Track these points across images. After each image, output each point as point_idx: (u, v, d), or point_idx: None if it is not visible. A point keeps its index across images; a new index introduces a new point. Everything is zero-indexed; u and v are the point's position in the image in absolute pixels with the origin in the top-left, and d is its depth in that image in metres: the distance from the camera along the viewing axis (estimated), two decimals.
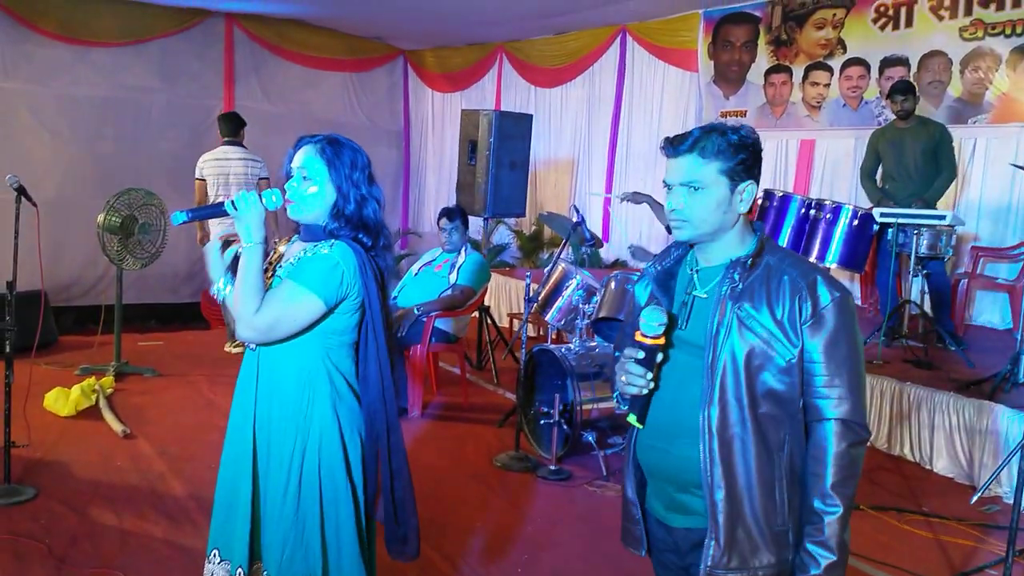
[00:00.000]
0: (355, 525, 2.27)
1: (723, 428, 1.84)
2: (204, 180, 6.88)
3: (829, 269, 5.51)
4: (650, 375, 1.87)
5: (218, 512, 2.35)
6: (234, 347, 6.85)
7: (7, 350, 3.90)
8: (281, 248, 2.41)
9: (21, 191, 3.96)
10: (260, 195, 2.21)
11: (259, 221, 2.18)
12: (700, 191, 1.87)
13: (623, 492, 2.12)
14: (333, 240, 2.23)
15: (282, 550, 2.21)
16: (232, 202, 2.18)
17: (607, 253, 8.83)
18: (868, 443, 1.88)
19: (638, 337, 1.88)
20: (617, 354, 2.11)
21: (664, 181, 1.94)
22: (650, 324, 1.85)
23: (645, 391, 1.87)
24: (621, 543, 2.16)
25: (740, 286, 1.87)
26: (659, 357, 1.88)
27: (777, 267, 1.88)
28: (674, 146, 1.91)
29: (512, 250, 10.00)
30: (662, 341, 1.87)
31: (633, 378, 1.87)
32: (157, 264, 6.35)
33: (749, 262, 1.89)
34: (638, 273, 4.20)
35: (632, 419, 1.94)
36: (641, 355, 1.87)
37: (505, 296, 8.29)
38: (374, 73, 11.31)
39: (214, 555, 2.31)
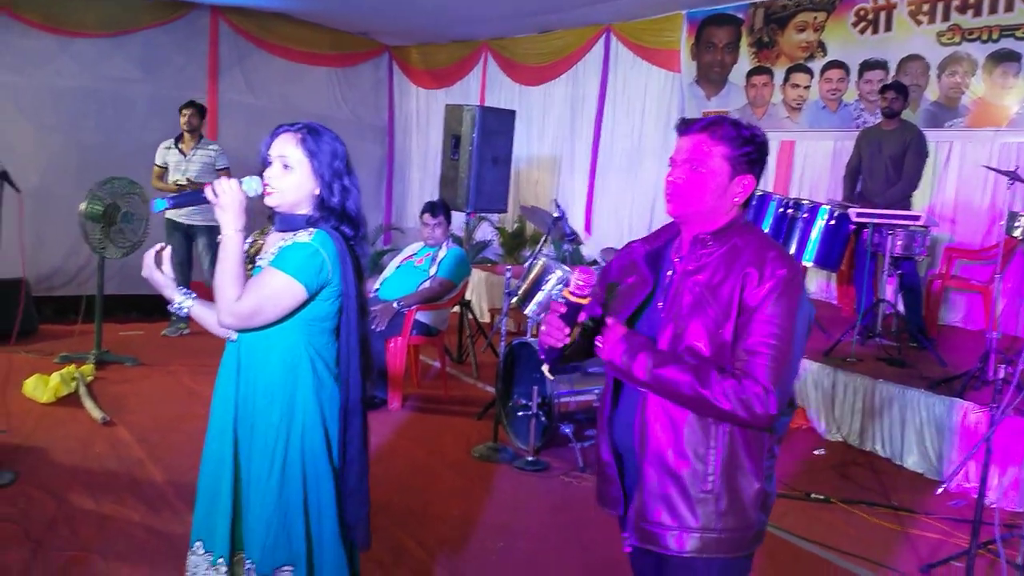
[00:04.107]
0: (336, 509, 2.30)
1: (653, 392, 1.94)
2: (164, 167, 7.02)
3: (798, 259, 5.58)
4: (567, 330, 1.94)
5: (200, 503, 2.36)
6: None
7: None
8: (260, 240, 2.43)
9: (4, 176, 3.97)
10: (240, 182, 2.23)
11: (239, 209, 2.19)
12: (701, 170, 1.95)
13: (598, 455, 2.17)
14: (312, 228, 2.25)
15: (265, 536, 2.23)
16: (212, 189, 2.20)
17: (588, 251, 8.88)
18: (769, 416, 1.84)
19: (564, 292, 1.95)
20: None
21: (671, 158, 2.01)
22: (578, 283, 1.93)
23: (560, 344, 1.94)
24: (597, 504, 2.20)
25: (700, 261, 1.96)
26: (582, 317, 1.95)
27: (742, 248, 1.94)
28: (687, 125, 2.01)
29: (494, 247, 10.03)
30: (584, 302, 1.94)
31: (553, 330, 1.95)
32: (139, 255, 6.35)
33: (708, 239, 1.97)
34: None
35: (545, 370, 2.07)
36: (563, 310, 1.95)
37: (487, 292, 8.33)
38: (359, 68, 11.30)
39: (197, 546, 2.33)
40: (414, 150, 11.54)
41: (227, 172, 7.11)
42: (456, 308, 6.39)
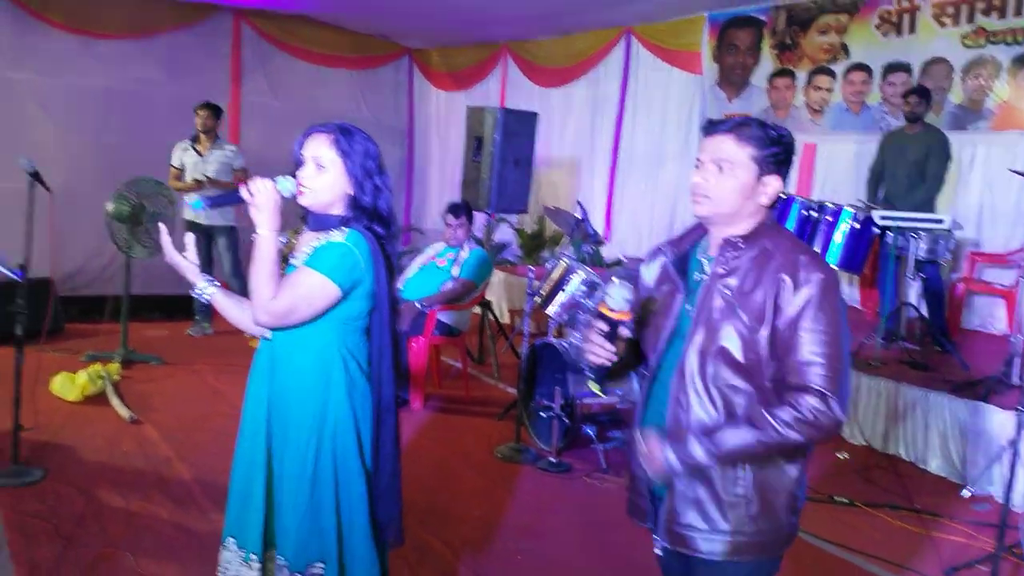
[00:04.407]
0: (367, 507, 2.32)
1: (685, 396, 1.94)
2: (180, 168, 7.07)
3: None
4: (612, 348, 1.95)
5: (233, 500, 2.39)
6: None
7: (17, 333, 3.95)
8: (293, 239, 2.45)
9: (35, 175, 4.02)
10: (275, 182, 2.25)
11: (274, 208, 2.21)
12: (728, 171, 1.95)
13: (628, 468, 2.18)
14: (346, 228, 2.27)
15: (298, 533, 2.26)
16: (248, 189, 2.23)
17: (609, 252, 8.88)
18: (837, 422, 1.85)
19: (602, 309, 1.95)
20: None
21: (697, 157, 2.02)
22: (616, 299, 1.92)
23: (606, 362, 1.96)
24: (628, 516, 2.21)
25: (730, 265, 1.95)
26: (622, 331, 1.96)
27: (771, 251, 1.94)
28: (714, 125, 2.00)
29: (513, 248, 10.05)
30: (625, 317, 1.94)
31: (596, 348, 1.97)
32: (154, 257, 6.44)
33: (740, 242, 1.96)
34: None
35: (594, 386, 2.04)
36: (605, 328, 1.95)
37: (507, 293, 8.35)
38: (380, 71, 11.35)
39: (230, 542, 2.36)
40: (434, 152, 11.58)
41: (245, 172, 7.15)
42: (476, 309, 6.42)
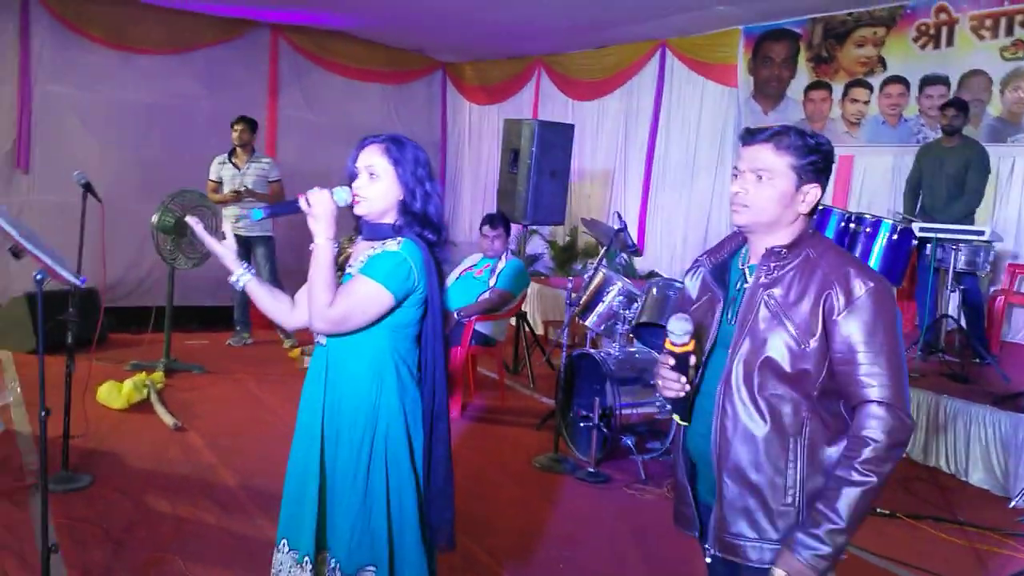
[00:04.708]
0: (417, 512, 2.35)
1: (731, 406, 1.95)
2: (217, 181, 7.19)
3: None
4: (684, 379, 1.97)
5: (287, 503, 2.42)
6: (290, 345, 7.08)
7: (68, 341, 4.03)
8: (348, 248, 2.51)
9: (88, 188, 4.11)
10: (332, 193, 2.30)
11: (331, 218, 2.25)
12: (766, 180, 1.95)
13: (675, 477, 2.19)
14: (400, 237, 2.32)
15: (351, 537, 2.29)
16: (306, 199, 2.28)
17: (642, 264, 8.89)
18: (909, 429, 1.87)
19: (667, 346, 1.96)
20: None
21: (734, 166, 2.03)
22: (677, 333, 1.93)
23: (682, 394, 1.98)
24: (674, 525, 2.22)
25: (774, 274, 1.95)
26: (691, 360, 1.96)
27: (815, 260, 1.93)
28: (752, 135, 2.00)
29: (545, 260, 10.09)
30: (690, 347, 1.95)
31: (669, 383, 1.98)
32: (208, 267, 6.53)
33: (783, 251, 1.96)
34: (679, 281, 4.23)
35: (677, 418, 2.07)
36: (672, 362, 1.97)
37: (540, 304, 8.38)
38: (413, 85, 11.46)
39: (283, 544, 2.40)
40: (466, 165, 11.66)
41: (279, 184, 7.28)
42: (512, 320, 6.45)
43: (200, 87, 9.42)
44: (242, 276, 2.42)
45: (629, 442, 4.85)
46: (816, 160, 1.95)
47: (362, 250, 2.37)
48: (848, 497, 1.84)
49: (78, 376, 4.23)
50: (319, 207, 2.24)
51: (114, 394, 5.28)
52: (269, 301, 2.46)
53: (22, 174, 8.45)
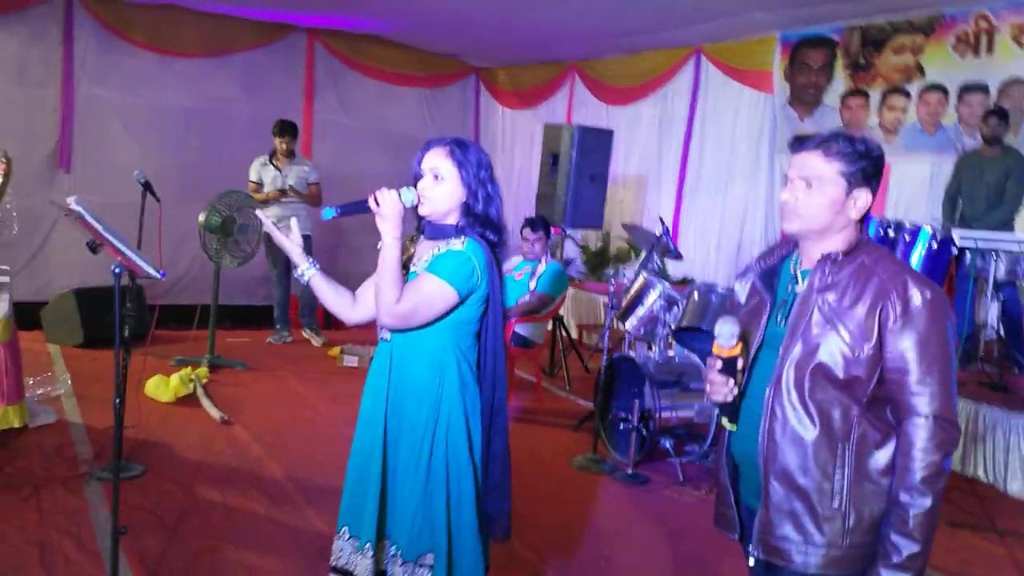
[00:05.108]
0: (475, 503, 2.42)
1: (781, 409, 1.95)
2: (258, 183, 7.32)
3: None
4: (732, 383, 1.99)
5: (348, 492, 2.49)
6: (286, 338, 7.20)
7: (125, 335, 4.12)
8: (411, 248, 2.57)
9: (147, 187, 4.21)
10: (399, 193, 2.37)
11: (398, 218, 2.32)
12: (816, 187, 1.96)
13: (718, 479, 2.21)
14: (464, 236, 2.39)
15: (412, 525, 2.36)
16: (375, 199, 2.34)
17: (674, 270, 8.90)
18: (956, 440, 1.90)
19: (715, 350, 1.98)
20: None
21: (785, 175, 2.05)
22: (725, 336, 1.95)
23: (730, 398, 2.00)
24: (715, 527, 2.23)
25: (829, 279, 1.95)
26: (739, 364, 1.99)
27: (871, 267, 1.94)
28: (801, 142, 2.02)
29: (577, 264, 10.13)
30: (738, 350, 1.97)
31: (717, 387, 2.00)
32: (251, 266, 6.68)
33: (839, 257, 1.97)
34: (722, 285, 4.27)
35: (725, 421, 2.08)
36: (719, 365, 1.99)
37: (574, 308, 8.42)
38: (447, 89, 11.53)
39: (344, 531, 2.47)
40: (499, 169, 11.56)
41: (318, 187, 7.49)
42: (548, 323, 6.51)
43: (238, 91, 9.54)
44: (307, 271, 2.51)
45: (667, 444, 4.88)
46: (866, 166, 1.96)
47: (425, 249, 2.44)
48: (916, 520, 1.85)
49: (131, 369, 4.32)
50: (387, 207, 2.31)
51: (162, 388, 5.40)
52: (332, 296, 2.54)
53: (64, 174, 8.60)
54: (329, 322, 8.17)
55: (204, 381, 5.73)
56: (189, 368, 5.81)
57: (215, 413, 5.20)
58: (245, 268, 6.99)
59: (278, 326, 7.57)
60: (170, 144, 9.03)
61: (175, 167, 8.93)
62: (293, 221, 2.59)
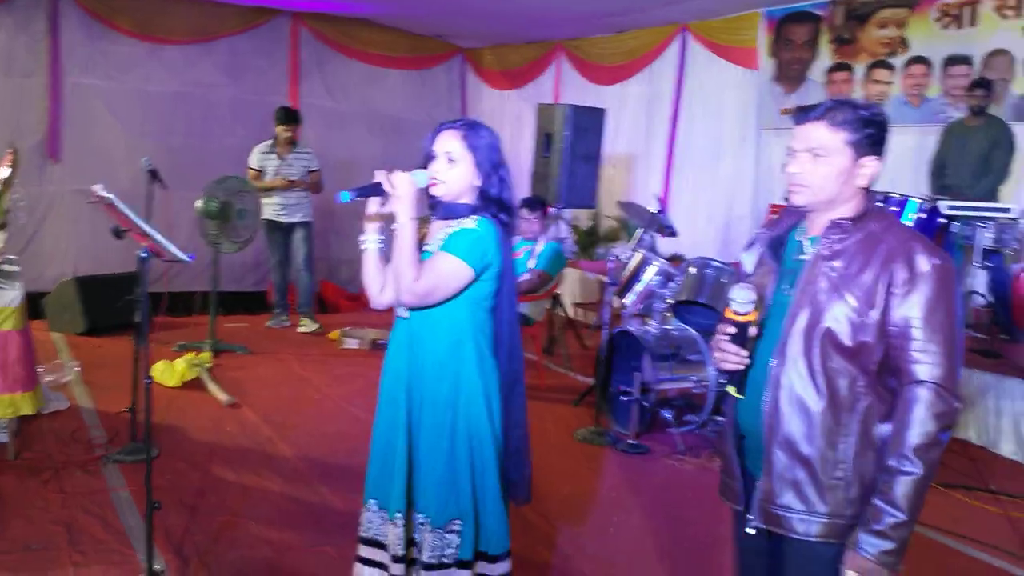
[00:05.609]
0: (497, 469, 2.51)
1: (787, 377, 1.94)
2: (259, 170, 7.35)
3: None
4: (744, 352, 1.97)
5: (373, 466, 2.57)
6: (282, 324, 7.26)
7: (137, 320, 4.17)
8: (424, 228, 2.64)
9: (154, 174, 4.25)
10: (412, 175, 2.43)
11: (413, 199, 2.39)
12: (823, 158, 1.93)
13: (722, 450, 2.20)
14: (476, 216, 2.47)
15: (437, 494, 2.45)
16: (390, 180, 2.39)
17: (665, 246, 8.99)
18: (956, 411, 1.86)
19: (728, 314, 1.96)
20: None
21: (789, 147, 1.99)
22: (740, 301, 1.93)
23: (742, 366, 1.98)
24: (720, 497, 2.24)
25: (837, 247, 1.94)
26: (752, 331, 1.97)
27: (879, 234, 1.92)
28: (805, 112, 1.98)
29: (569, 244, 10.20)
30: (753, 317, 1.95)
31: (728, 355, 1.98)
32: (248, 252, 6.72)
33: (848, 224, 1.95)
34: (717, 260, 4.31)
35: (732, 390, 2.05)
36: (733, 331, 1.96)
37: (568, 287, 8.51)
38: (433, 71, 11.52)
39: (371, 504, 2.56)
40: None
41: (319, 174, 7.52)
42: (547, 302, 6.60)
43: (223, 76, 9.52)
44: (372, 241, 2.54)
45: (667, 415, 5.00)
46: (872, 132, 1.93)
47: (438, 229, 2.52)
48: (903, 487, 1.83)
49: (129, 356, 4.38)
50: (401, 188, 2.38)
51: (168, 372, 5.46)
52: (372, 272, 2.55)
53: (53, 164, 8.59)
54: (324, 307, 8.23)
55: (208, 366, 5.79)
56: (192, 353, 5.86)
57: (222, 396, 5.27)
58: (234, 255, 7.03)
59: (277, 310, 7.64)
60: (158, 131, 8.99)
61: (163, 153, 8.77)
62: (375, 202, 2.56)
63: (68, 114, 8.64)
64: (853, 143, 1.92)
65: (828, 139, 1.92)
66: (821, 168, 1.94)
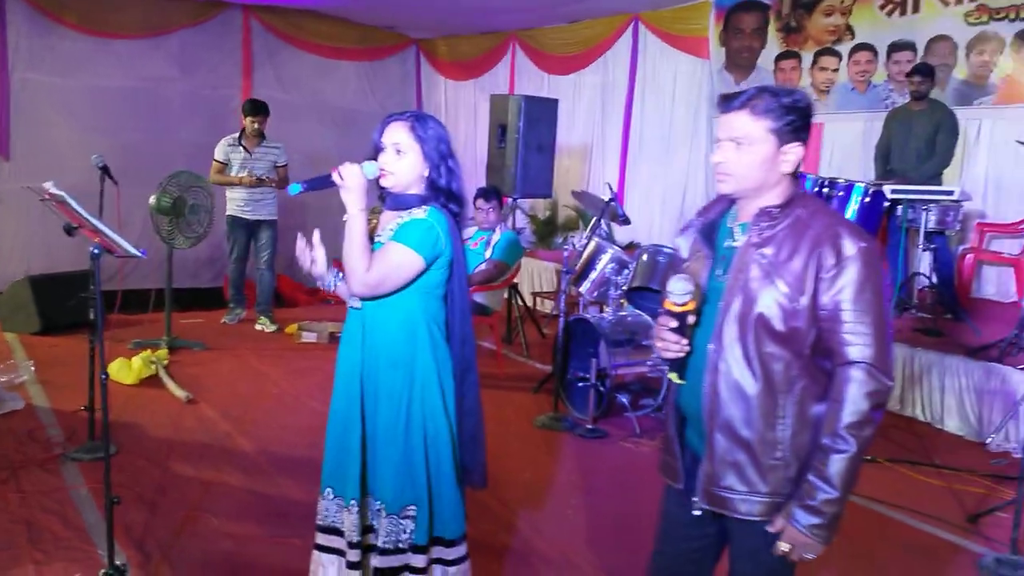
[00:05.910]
0: (452, 456, 2.56)
1: (724, 363, 1.98)
2: (224, 163, 7.23)
3: None
4: (684, 341, 1.99)
5: (329, 456, 2.61)
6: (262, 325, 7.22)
7: (91, 317, 4.15)
8: (374, 219, 2.68)
9: (105, 171, 4.23)
10: (362, 167, 2.47)
11: (362, 191, 2.43)
12: (746, 147, 1.95)
13: (665, 430, 2.24)
14: (426, 206, 2.51)
15: (393, 481, 2.50)
16: (339, 173, 2.43)
17: (621, 235, 9.10)
18: (888, 389, 1.91)
19: (667, 306, 1.98)
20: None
21: (716, 136, 2.03)
22: (678, 293, 1.95)
23: (682, 354, 2.01)
24: (661, 475, 2.29)
25: (766, 233, 1.96)
26: (690, 320, 1.99)
27: (806, 220, 1.95)
28: (727, 102, 1.99)
29: (527, 234, 10.27)
30: (691, 307, 1.97)
31: (669, 344, 2.01)
32: (202, 247, 6.66)
33: (776, 211, 1.98)
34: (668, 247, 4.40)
35: (673, 376, 2.08)
36: (674, 324, 1.99)
37: (526, 277, 8.57)
38: (387, 62, 11.49)
39: (327, 492, 2.60)
40: None
41: (286, 169, 7.28)
42: (504, 291, 6.66)
43: (175, 70, 9.42)
44: (332, 280, 2.61)
45: (624, 399, 5.09)
46: (794, 119, 1.95)
47: (389, 219, 2.56)
48: (836, 465, 1.88)
49: (83, 354, 4.35)
50: (351, 180, 2.41)
51: (125, 370, 5.43)
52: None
53: (3, 162, 8.46)
54: (281, 301, 8.19)
55: (165, 362, 5.76)
56: (149, 350, 5.83)
57: (180, 393, 5.25)
58: (189, 251, 6.94)
59: (231, 304, 7.56)
60: (109, 127, 8.86)
61: (116, 149, 8.65)
62: (316, 234, 2.56)
63: (17, 111, 8.51)
64: (775, 131, 1.95)
65: (750, 128, 1.95)
66: (745, 157, 1.96)
